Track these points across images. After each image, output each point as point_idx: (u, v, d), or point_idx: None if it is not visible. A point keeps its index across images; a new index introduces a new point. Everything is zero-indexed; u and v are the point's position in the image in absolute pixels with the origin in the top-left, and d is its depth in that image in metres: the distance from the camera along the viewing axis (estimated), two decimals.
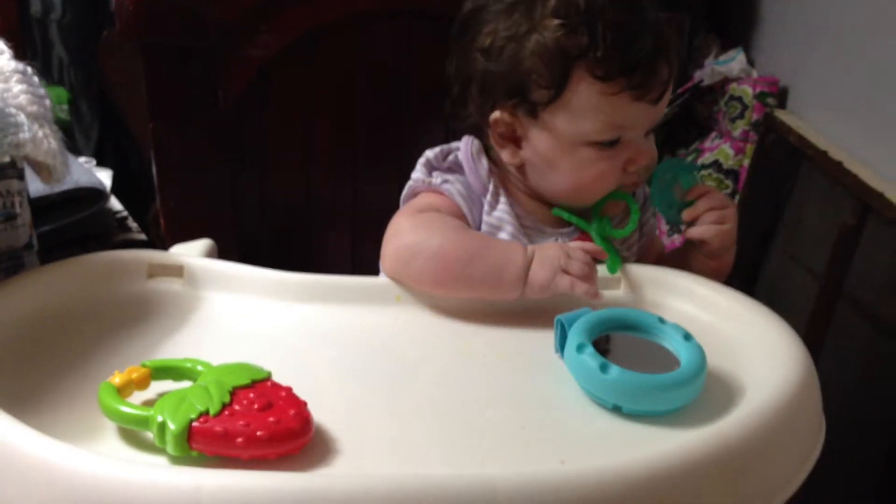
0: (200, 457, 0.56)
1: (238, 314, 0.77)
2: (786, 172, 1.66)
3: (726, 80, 1.76)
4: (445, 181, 0.86)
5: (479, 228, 0.87)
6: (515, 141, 0.85)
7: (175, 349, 0.71)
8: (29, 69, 0.77)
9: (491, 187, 0.86)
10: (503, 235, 0.86)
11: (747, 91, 1.71)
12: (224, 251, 0.99)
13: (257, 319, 0.76)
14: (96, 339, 0.71)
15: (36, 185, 1.15)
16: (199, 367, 0.64)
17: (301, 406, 0.59)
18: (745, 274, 1.74)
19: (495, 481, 0.52)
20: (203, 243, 0.97)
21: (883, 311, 1.39)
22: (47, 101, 0.75)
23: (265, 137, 0.98)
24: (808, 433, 0.66)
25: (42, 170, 0.76)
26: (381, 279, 0.80)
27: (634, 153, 0.83)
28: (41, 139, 0.73)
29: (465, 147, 0.88)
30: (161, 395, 0.61)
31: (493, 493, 0.52)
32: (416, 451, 0.61)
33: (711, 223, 0.84)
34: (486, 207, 0.86)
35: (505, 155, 0.86)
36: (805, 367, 0.67)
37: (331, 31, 0.96)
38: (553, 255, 0.77)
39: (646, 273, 0.82)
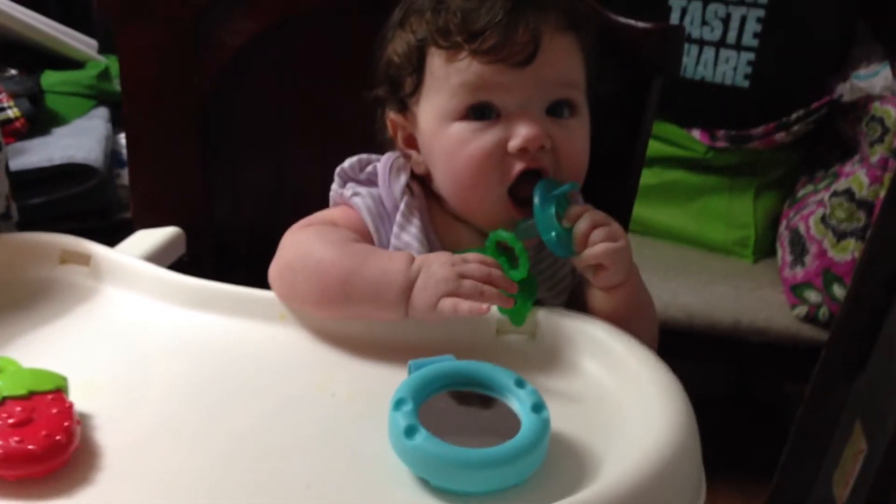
0: None
1: (124, 312, 0.75)
2: None
3: (869, 98, 1.53)
4: (356, 194, 0.79)
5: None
6: (415, 144, 0.79)
7: (39, 338, 0.71)
8: None
9: (403, 206, 0.78)
10: None
11: (889, 112, 1.48)
12: (197, 239, 0.97)
13: (139, 321, 0.74)
14: None
15: (30, 158, 1.20)
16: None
17: (60, 428, 0.56)
18: (868, 322, 1.51)
19: None
20: (167, 231, 0.95)
21: None
22: None
23: (237, 125, 0.95)
24: None
25: None
26: (271, 294, 0.75)
27: (514, 128, 0.72)
28: None
29: (385, 159, 0.81)
30: None
31: None
32: (186, 487, 0.56)
33: (601, 241, 0.70)
34: (395, 229, 0.78)
35: (413, 165, 0.80)
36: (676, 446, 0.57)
37: (305, 21, 0.91)
38: (439, 274, 0.68)
39: (565, 324, 0.71)
